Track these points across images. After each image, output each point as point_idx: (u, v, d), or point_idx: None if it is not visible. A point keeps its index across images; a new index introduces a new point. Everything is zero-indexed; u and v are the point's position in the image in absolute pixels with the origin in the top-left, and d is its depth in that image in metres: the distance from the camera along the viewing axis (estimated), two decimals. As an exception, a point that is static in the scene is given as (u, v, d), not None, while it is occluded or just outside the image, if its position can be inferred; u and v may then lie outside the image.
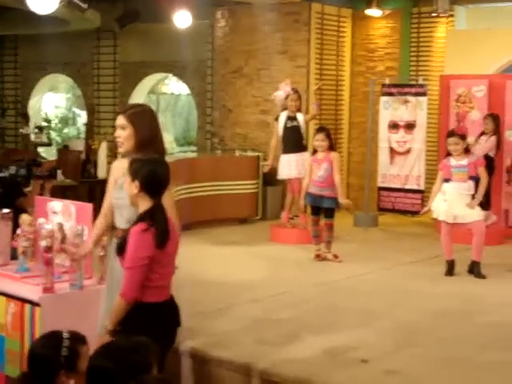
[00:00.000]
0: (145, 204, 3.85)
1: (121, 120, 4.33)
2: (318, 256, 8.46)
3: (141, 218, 3.80)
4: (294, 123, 9.52)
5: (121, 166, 4.29)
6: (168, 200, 4.06)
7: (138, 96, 14.19)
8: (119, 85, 14.19)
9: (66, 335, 3.14)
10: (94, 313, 4.39)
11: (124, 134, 4.30)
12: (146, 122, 4.32)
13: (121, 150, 4.39)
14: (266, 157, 10.40)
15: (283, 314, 6.19)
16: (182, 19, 11.49)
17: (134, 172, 3.85)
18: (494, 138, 9.42)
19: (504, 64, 10.51)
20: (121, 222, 4.24)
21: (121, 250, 3.84)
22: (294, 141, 9.52)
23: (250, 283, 7.27)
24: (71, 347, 3.09)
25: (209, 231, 10.02)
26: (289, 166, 9.56)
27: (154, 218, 3.79)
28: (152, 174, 3.86)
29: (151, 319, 3.80)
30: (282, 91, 9.64)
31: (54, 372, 3.04)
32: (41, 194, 5.91)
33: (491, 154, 9.37)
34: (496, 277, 7.67)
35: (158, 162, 3.96)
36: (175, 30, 11.87)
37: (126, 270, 3.75)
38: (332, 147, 8.53)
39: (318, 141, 8.35)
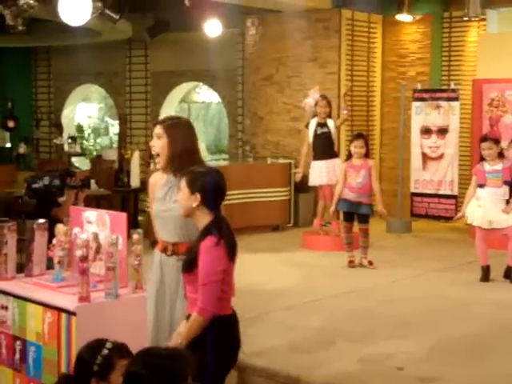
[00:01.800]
0: (204, 217, 3.76)
1: (158, 129, 4.37)
2: (350, 262, 8.43)
3: (208, 231, 3.72)
4: (325, 130, 9.51)
5: (157, 179, 4.33)
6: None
7: (170, 105, 14.27)
8: (151, 94, 14.29)
9: (108, 345, 3.15)
10: (128, 321, 4.41)
11: (159, 143, 4.33)
12: (181, 133, 4.34)
13: (158, 162, 4.39)
14: (297, 164, 10.39)
15: (317, 322, 6.17)
16: (213, 28, 11.52)
17: (194, 184, 3.75)
18: (528, 142, 9.33)
19: (537, 67, 10.39)
20: (166, 235, 4.26)
21: (190, 266, 3.76)
22: (324, 147, 9.50)
23: (283, 290, 7.27)
24: (108, 357, 3.10)
25: (241, 239, 9.91)
26: (320, 172, 9.54)
27: (222, 230, 3.73)
28: (214, 186, 3.78)
29: (226, 332, 3.79)
30: (311, 98, 9.63)
31: (86, 378, 3.05)
32: (75, 204, 5.95)
33: (525, 158, 9.26)
34: (532, 282, 7.58)
35: (217, 172, 3.86)
36: (206, 39, 11.92)
37: (202, 287, 3.67)
38: (368, 154, 8.51)
39: (356, 147, 8.31)
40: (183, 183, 3.82)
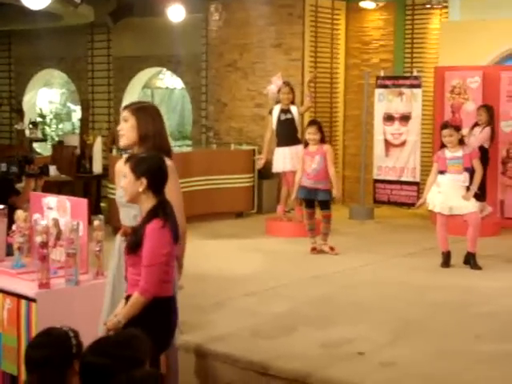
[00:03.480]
0: (150, 201, 3.80)
1: (125, 113, 4.36)
2: (313, 249, 8.47)
3: (154, 214, 3.76)
4: (288, 116, 9.52)
5: (121, 166, 4.30)
6: (170, 194, 4.04)
7: (133, 90, 14.16)
8: (113, 79, 14.16)
9: (65, 328, 3.13)
10: (89, 308, 4.39)
11: (126, 125, 4.32)
12: (148, 117, 4.33)
13: (121, 142, 4.39)
14: (260, 150, 10.38)
15: (279, 308, 6.20)
16: (176, 13, 11.47)
17: (139, 169, 3.79)
18: (488, 129, 9.43)
19: (498, 55, 10.50)
20: (128, 221, 4.24)
21: (135, 248, 3.78)
22: (287, 134, 9.52)
23: (245, 277, 7.28)
24: (76, 337, 3.08)
25: (204, 225, 10.02)
26: (283, 159, 9.56)
27: (166, 214, 3.78)
28: (160, 171, 3.83)
29: (165, 314, 3.84)
30: (274, 85, 9.63)
31: (68, 365, 3.01)
32: (33, 191, 5.88)
33: (486, 145, 9.38)
34: (492, 268, 7.69)
35: (159, 157, 3.92)
36: (169, 24, 11.85)
37: (146, 268, 3.71)
38: (324, 140, 8.52)
39: (310, 134, 8.35)
40: (127, 169, 3.85)
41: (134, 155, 4.00)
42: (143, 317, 3.72)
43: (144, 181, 3.78)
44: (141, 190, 3.79)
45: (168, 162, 4.10)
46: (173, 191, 4.07)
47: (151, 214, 3.76)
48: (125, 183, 3.88)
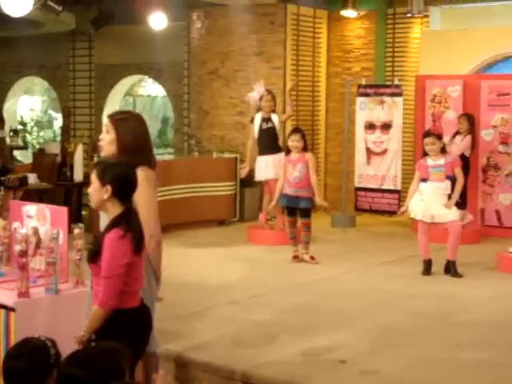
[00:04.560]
0: (115, 209, 3.72)
1: (107, 122, 4.33)
2: (295, 257, 8.47)
3: (115, 223, 3.68)
4: (269, 125, 9.53)
5: None
6: (144, 203, 4.02)
7: (114, 98, 14.11)
8: (95, 87, 14.10)
9: (42, 338, 3.10)
10: (69, 317, 4.36)
11: (107, 137, 4.29)
12: (129, 128, 4.29)
13: (102, 154, 4.37)
14: (243, 158, 10.38)
15: (261, 316, 6.19)
16: (158, 21, 11.46)
17: (105, 176, 3.71)
18: (469, 138, 9.48)
19: (478, 64, 10.59)
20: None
21: (94, 257, 3.74)
22: (269, 142, 9.53)
23: (228, 285, 7.27)
24: (54, 347, 3.05)
25: (186, 233, 9.99)
26: (266, 167, 9.56)
27: (130, 223, 3.70)
28: (125, 178, 3.75)
29: (129, 325, 3.76)
30: (256, 92, 9.65)
31: (46, 375, 2.98)
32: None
33: (466, 153, 9.43)
34: (472, 275, 7.72)
35: (127, 164, 3.85)
36: (151, 32, 11.83)
37: (104, 279, 3.65)
38: (306, 148, 8.53)
39: (294, 141, 8.36)
40: (93, 175, 3.78)
41: (101, 161, 3.94)
42: (106, 329, 3.66)
43: (109, 188, 3.70)
44: (106, 197, 3.71)
45: (148, 171, 4.08)
46: (148, 200, 4.04)
47: (113, 223, 3.68)
48: (91, 190, 3.81)
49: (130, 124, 4.31)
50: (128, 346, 3.20)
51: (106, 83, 13.94)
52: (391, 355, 5.23)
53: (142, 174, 4.02)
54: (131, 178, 3.79)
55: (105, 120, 4.40)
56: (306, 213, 8.41)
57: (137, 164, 4.04)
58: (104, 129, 4.35)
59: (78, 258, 4.63)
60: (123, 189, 3.74)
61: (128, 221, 3.70)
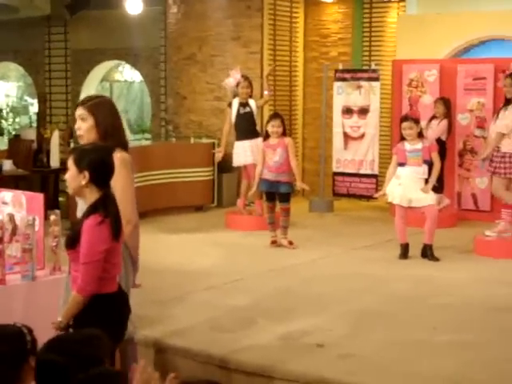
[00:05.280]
0: (92, 195, 3.72)
1: (81, 111, 4.28)
2: (273, 242, 8.48)
3: (93, 209, 3.67)
4: (247, 110, 9.51)
5: None
6: (120, 187, 4.00)
7: (91, 84, 14.02)
8: (71, 73, 13.99)
9: (18, 325, 3.08)
10: (46, 303, 4.35)
11: (85, 125, 4.24)
12: (105, 112, 4.27)
13: (82, 142, 4.33)
14: (220, 143, 10.36)
15: (239, 301, 6.20)
16: (134, 6, 11.38)
17: (81, 162, 3.70)
18: (445, 122, 9.52)
19: (455, 48, 10.61)
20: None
21: (72, 243, 3.73)
22: (247, 127, 9.51)
23: (206, 270, 7.27)
24: (30, 333, 3.04)
25: (164, 219, 9.98)
26: (244, 152, 9.55)
27: (108, 209, 3.69)
28: (102, 164, 3.73)
29: (108, 310, 3.77)
30: (233, 78, 9.61)
31: (23, 361, 2.96)
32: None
33: (443, 137, 9.47)
34: (449, 259, 7.78)
35: (104, 149, 3.83)
36: (127, 17, 11.74)
37: (83, 265, 3.65)
38: (285, 133, 8.54)
39: (274, 127, 8.34)
40: (70, 161, 3.76)
41: (77, 147, 3.92)
42: (84, 315, 3.67)
43: (86, 174, 3.69)
44: (83, 183, 3.70)
45: (124, 154, 4.06)
46: (125, 185, 4.02)
47: (91, 209, 3.68)
48: (67, 176, 3.79)
49: (105, 107, 4.30)
50: (106, 331, 3.21)
51: (82, 69, 13.84)
52: (368, 339, 5.26)
53: (118, 157, 4.00)
54: (108, 163, 3.77)
55: (78, 109, 4.33)
56: (286, 198, 8.42)
57: (114, 147, 4.02)
58: (78, 118, 4.29)
59: (54, 244, 4.62)
60: (100, 174, 3.73)
61: (106, 207, 3.69)
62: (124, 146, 4.23)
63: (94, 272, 3.65)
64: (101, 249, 3.64)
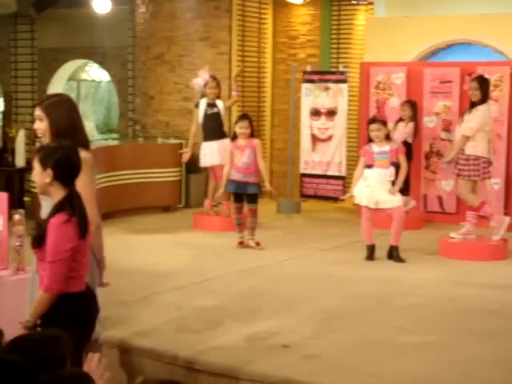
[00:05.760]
0: (58, 193, 3.71)
1: (38, 111, 4.28)
2: (240, 243, 8.48)
3: (59, 208, 3.67)
4: (214, 110, 9.50)
5: None
6: (82, 186, 3.97)
7: (58, 83, 13.89)
8: (38, 71, 13.86)
9: None
10: (10, 304, 4.30)
11: (42, 125, 4.24)
12: (62, 112, 4.24)
13: (43, 141, 4.31)
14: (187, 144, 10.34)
15: (206, 302, 6.18)
16: (102, 4, 11.32)
17: (46, 160, 3.71)
18: (411, 125, 9.60)
19: (422, 52, 10.70)
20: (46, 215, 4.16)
21: (39, 242, 3.71)
22: (214, 128, 9.50)
23: (172, 271, 7.24)
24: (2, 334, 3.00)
25: (131, 220, 9.93)
26: (211, 153, 9.53)
27: (74, 207, 3.69)
28: (66, 161, 3.73)
29: (75, 309, 3.76)
30: (201, 78, 9.59)
31: None
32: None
33: (409, 140, 9.54)
34: (415, 260, 7.84)
35: (69, 147, 3.82)
36: (95, 16, 11.68)
37: (49, 264, 3.64)
38: (253, 134, 8.55)
39: (242, 128, 8.35)
40: (35, 160, 3.78)
41: (43, 145, 3.91)
42: (52, 314, 3.66)
43: (50, 172, 3.70)
44: (48, 181, 3.71)
45: (84, 154, 4.04)
46: (85, 184, 4.00)
47: (56, 208, 3.68)
48: (34, 174, 3.80)
49: (61, 106, 4.27)
50: (74, 330, 3.19)
51: (49, 67, 13.72)
52: (334, 339, 5.28)
53: (84, 157, 3.97)
54: (73, 160, 3.77)
55: (36, 109, 4.31)
56: (254, 199, 8.43)
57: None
58: (36, 118, 4.28)
59: (18, 244, 4.57)
60: (65, 172, 3.73)
61: (72, 205, 3.69)
62: (84, 145, 4.19)
63: (61, 270, 3.64)
64: (67, 247, 3.63)
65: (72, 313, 3.72)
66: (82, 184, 3.90)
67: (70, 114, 4.27)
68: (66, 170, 3.73)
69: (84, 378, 2.80)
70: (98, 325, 4.09)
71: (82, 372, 2.98)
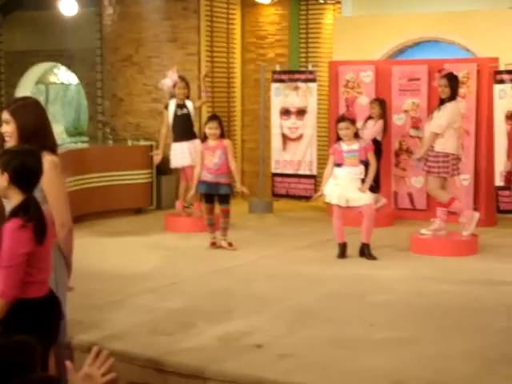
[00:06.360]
0: (16, 197, 3.70)
1: (5, 115, 4.26)
2: (213, 244, 8.46)
3: (14, 213, 3.65)
4: (184, 111, 9.48)
5: None
6: (52, 190, 3.94)
7: (25, 86, 13.80)
8: (5, 75, 13.75)
9: None
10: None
11: (9, 128, 4.22)
12: (29, 115, 4.21)
13: (8, 145, 4.28)
14: (158, 146, 10.29)
15: (178, 303, 6.16)
16: (68, 7, 11.26)
17: (4, 164, 3.69)
18: (380, 122, 9.65)
19: (390, 50, 10.77)
20: None
21: None
22: (184, 129, 9.48)
23: (144, 273, 7.21)
24: None
25: (102, 222, 9.86)
26: (182, 154, 9.51)
27: (29, 213, 3.66)
28: (22, 166, 3.70)
29: (35, 315, 3.72)
30: (169, 79, 9.56)
31: None
32: None
33: (379, 137, 9.60)
34: (386, 257, 7.88)
35: (29, 152, 3.79)
36: (61, 18, 11.60)
37: (5, 269, 3.60)
38: (223, 135, 8.53)
39: (211, 129, 8.33)
40: None
41: (6, 149, 3.88)
42: (10, 320, 3.61)
43: (6, 176, 3.68)
44: (5, 184, 3.69)
45: (52, 157, 4.00)
46: (55, 188, 3.96)
47: (12, 213, 3.66)
48: None
49: (28, 109, 4.24)
50: (36, 336, 3.15)
51: (16, 71, 13.63)
52: (307, 338, 5.29)
53: (47, 160, 3.95)
54: (30, 165, 3.74)
55: (3, 113, 4.29)
56: (226, 199, 8.41)
57: (40, 149, 3.96)
58: (3, 121, 4.26)
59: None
60: (21, 177, 3.70)
61: (27, 210, 3.65)
62: (51, 148, 4.16)
63: (15, 276, 3.61)
64: (21, 252, 3.60)
65: (32, 319, 3.68)
66: (51, 188, 3.87)
67: (37, 118, 4.24)
68: (22, 174, 3.70)
69: (52, 382, 2.78)
70: (62, 330, 4.04)
71: (50, 376, 2.96)
